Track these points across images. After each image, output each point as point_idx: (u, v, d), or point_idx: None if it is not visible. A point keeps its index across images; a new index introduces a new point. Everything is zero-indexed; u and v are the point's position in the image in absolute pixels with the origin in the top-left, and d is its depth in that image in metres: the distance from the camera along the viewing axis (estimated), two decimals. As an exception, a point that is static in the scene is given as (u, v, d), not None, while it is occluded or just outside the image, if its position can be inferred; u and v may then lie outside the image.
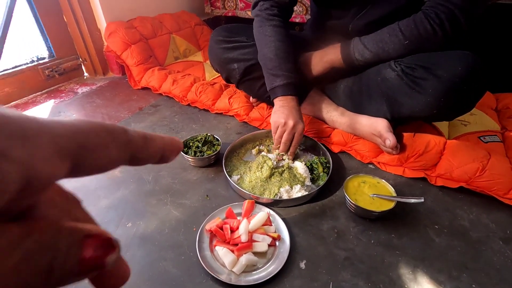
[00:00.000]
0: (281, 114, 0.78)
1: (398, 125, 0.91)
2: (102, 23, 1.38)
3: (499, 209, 0.70)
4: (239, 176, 0.78)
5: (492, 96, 1.11)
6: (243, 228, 0.61)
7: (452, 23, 0.68)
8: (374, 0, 0.79)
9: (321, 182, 0.75)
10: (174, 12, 1.68)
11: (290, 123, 0.77)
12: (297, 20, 1.53)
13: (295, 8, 1.50)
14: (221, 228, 0.63)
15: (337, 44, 0.85)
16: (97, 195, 0.76)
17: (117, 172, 0.84)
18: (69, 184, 0.79)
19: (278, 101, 0.81)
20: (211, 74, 1.35)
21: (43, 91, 1.33)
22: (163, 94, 1.26)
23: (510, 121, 0.95)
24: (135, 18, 1.47)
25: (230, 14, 1.74)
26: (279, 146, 0.80)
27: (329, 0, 0.85)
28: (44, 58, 1.35)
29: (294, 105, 0.80)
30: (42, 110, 1.19)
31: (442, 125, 0.93)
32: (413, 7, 0.74)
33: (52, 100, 1.26)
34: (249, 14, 1.66)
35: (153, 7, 1.58)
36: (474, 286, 0.54)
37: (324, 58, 0.87)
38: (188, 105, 1.18)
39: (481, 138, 0.86)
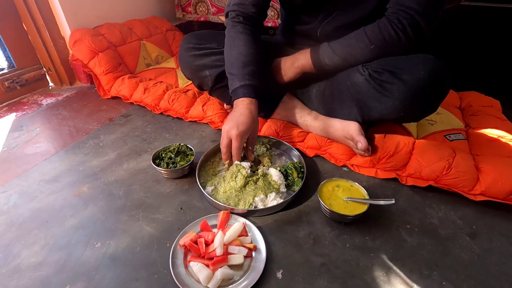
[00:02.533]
0: (226, 122, 0.76)
1: (369, 127, 0.93)
2: (66, 30, 1.31)
3: (465, 205, 0.73)
4: (213, 187, 0.76)
5: (456, 94, 1.16)
6: (218, 241, 0.60)
7: (414, 28, 0.70)
8: (340, 7, 0.80)
9: (296, 188, 0.75)
10: (144, 18, 1.64)
11: (225, 128, 0.75)
12: (269, 24, 1.53)
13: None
14: (196, 242, 0.62)
15: (307, 50, 0.85)
16: (63, 215, 0.72)
17: (85, 189, 0.80)
18: (33, 204, 0.75)
19: (234, 105, 0.80)
20: (184, 81, 1.33)
21: (3, 104, 1.25)
22: (135, 103, 1.22)
23: (473, 119, 1.00)
24: (102, 25, 1.41)
25: (202, 19, 1.72)
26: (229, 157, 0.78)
27: (297, 6, 0.86)
28: (3, 69, 1.26)
29: (243, 107, 0.77)
30: (2, 125, 1.11)
31: (411, 125, 0.96)
32: (378, 13, 0.76)
33: (14, 114, 1.19)
34: (221, 19, 1.65)
35: (121, 13, 1.53)
36: (444, 283, 0.56)
37: (295, 63, 0.88)
38: (161, 113, 1.15)
39: (447, 136, 0.89)
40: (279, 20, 1.49)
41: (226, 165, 0.79)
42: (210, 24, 1.73)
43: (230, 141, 0.75)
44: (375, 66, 0.75)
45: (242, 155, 0.81)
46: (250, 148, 0.81)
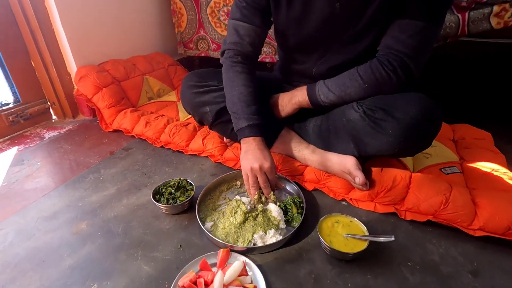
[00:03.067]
0: (246, 161, 0.79)
1: (366, 160, 0.95)
2: (72, 67, 1.37)
3: (465, 241, 0.72)
4: (212, 222, 0.76)
5: (449, 127, 1.19)
6: (217, 282, 0.59)
7: (404, 69, 0.74)
8: (333, 48, 0.85)
9: (296, 224, 0.75)
10: (148, 54, 1.71)
11: (255, 166, 0.77)
12: (267, 60, 1.61)
13: (264, 49, 1.59)
14: (195, 283, 0.61)
15: (304, 87, 0.89)
16: (60, 254, 0.71)
17: (84, 226, 0.79)
18: (30, 243, 0.74)
19: (243, 144, 0.83)
20: (184, 114, 1.36)
21: (6, 138, 1.27)
22: (136, 137, 1.24)
23: (467, 151, 1.02)
24: (107, 61, 1.48)
25: (203, 55, 1.80)
26: (256, 194, 0.80)
27: (292, 46, 0.91)
28: (8, 104, 1.30)
29: (257, 145, 0.81)
30: (3, 159, 1.12)
31: (407, 158, 0.97)
32: (369, 55, 0.80)
33: (16, 147, 1.20)
34: (221, 54, 1.73)
35: (126, 50, 1.61)
36: (449, 326, 0.55)
37: (292, 100, 0.91)
38: (162, 147, 1.17)
39: (443, 170, 0.91)
40: (276, 56, 1.56)
41: (256, 199, 0.80)
42: (210, 59, 1.81)
43: (257, 177, 0.78)
44: (369, 103, 0.79)
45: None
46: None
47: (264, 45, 1.54)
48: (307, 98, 0.87)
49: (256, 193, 0.80)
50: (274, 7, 0.81)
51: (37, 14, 1.22)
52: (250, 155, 0.79)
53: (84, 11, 1.35)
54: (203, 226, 0.74)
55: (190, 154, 1.12)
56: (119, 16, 1.54)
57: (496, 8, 1.04)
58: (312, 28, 0.80)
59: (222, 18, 1.61)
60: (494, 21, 1.07)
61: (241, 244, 0.70)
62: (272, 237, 0.71)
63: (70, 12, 1.29)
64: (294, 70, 0.99)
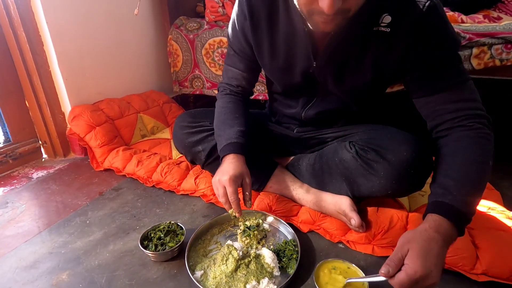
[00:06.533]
0: (214, 177, 0.78)
1: (361, 199, 0.93)
2: (66, 107, 1.38)
3: (469, 287, 0.69)
4: (202, 271, 0.72)
5: (441, 163, 1.19)
6: None
7: (486, 121, 0.66)
8: (318, 95, 0.86)
9: (291, 271, 0.71)
10: (143, 92, 1.74)
11: (215, 179, 0.76)
12: (260, 98, 1.64)
13: (257, 87, 1.63)
14: None
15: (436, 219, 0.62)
16: (36, 310, 0.65)
17: (65, 276, 0.74)
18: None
19: (222, 161, 0.82)
20: (177, 151, 1.35)
21: (-8, 179, 1.23)
22: (127, 176, 1.21)
23: (461, 188, 1.01)
24: (102, 100, 1.49)
25: (197, 93, 1.84)
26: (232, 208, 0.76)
27: (279, 91, 0.93)
28: (-2, 144, 1.28)
29: (231, 160, 0.78)
30: (-13, 201, 1.08)
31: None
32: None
33: (1, 189, 1.16)
34: (215, 92, 1.76)
35: (122, 89, 1.63)
36: None
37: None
38: (153, 186, 1.14)
39: (439, 208, 0.89)
40: (269, 94, 1.60)
41: (235, 214, 0.77)
42: (205, 96, 1.85)
43: (225, 190, 0.74)
44: (361, 143, 0.79)
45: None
46: (247, 193, 0.78)
47: (257, 83, 1.59)
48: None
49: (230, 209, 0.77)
50: (258, 56, 0.84)
51: (35, 57, 1.26)
52: (219, 169, 0.78)
53: (82, 52, 1.39)
54: (193, 275, 0.70)
55: (182, 194, 1.09)
56: (117, 58, 1.59)
57: (475, 51, 1.11)
58: (296, 78, 0.82)
59: (216, 59, 1.67)
60: (474, 62, 1.12)
61: (232, 296, 0.65)
62: (266, 287, 0.66)
63: (68, 53, 1.33)
64: (283, 113, 0.99)
